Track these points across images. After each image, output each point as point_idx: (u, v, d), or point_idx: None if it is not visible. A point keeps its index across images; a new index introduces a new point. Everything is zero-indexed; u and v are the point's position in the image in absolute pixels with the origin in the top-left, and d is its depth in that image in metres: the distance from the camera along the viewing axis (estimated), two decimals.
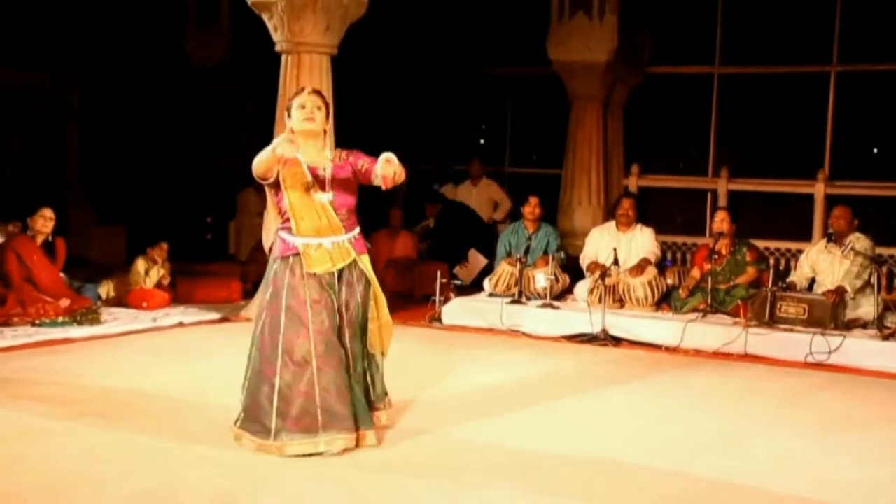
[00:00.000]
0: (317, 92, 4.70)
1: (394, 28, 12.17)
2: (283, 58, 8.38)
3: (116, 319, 8.03)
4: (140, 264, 8.83)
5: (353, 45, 8.73)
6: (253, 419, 4.48)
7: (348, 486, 4.05)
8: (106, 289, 8.68)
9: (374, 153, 4.53)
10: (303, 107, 4.61)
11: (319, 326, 4.41)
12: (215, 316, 8.45)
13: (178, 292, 9.04)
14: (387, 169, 4.35)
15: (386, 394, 4.84)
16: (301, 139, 4.54)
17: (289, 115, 4.67)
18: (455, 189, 12.26)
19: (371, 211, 12.00)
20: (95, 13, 12.25)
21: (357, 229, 4.66)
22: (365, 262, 4.63)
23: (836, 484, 4.29)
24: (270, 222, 8.38)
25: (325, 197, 4.52)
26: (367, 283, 4.63)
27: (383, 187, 4.44)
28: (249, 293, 9.05)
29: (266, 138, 8.52)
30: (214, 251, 12.37)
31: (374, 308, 4.66)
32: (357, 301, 4.57)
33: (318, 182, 4.54)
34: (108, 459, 4.32)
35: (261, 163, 4.43)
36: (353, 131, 10.84)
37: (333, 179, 4.57)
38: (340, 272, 4.53)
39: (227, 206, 12.71)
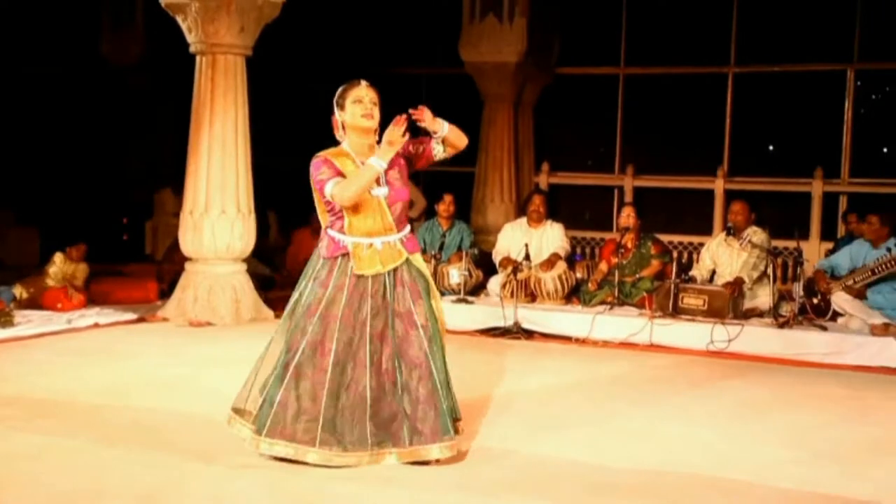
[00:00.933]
0: (372, 85, 4.45)
1: (308, 29, 12.24)
2: (198, 59, 8.41)
3: (30, 321, 7.95)
4: (58, 258, 8.78)
5: (269, 45, 8.79)
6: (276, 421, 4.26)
7: (270, 483, 4.08)
8: (19, 291, 8.59)
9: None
10: (359, 101, 4.38)
11: (346, 342, 4.26)
12: (132, 316, 8.43)
13: (93, 293, 8.98)
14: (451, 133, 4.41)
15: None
16: (354, 135, 4.43)
17: (340, 108, 4.42)
18: None
19: (296, 212, 12.11)
20: (9, 12, 12.04)
21: (408, 228, 4.52)
22: (419, 261, 4.49)
23: (745, 465, 4.53)
24: (188, 222, 8.46)
25: (381, 192, 4.37)
26: (426, 282, 4.47)
27: (448, 154, 4.51)
28: (166, 293, 9.06)
29: (182, 138, 8.64)
30: (131, 251, 12.28)
31: (439, 308, 4.50)
32: (423, 299, 4.40)
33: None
34: (30, 461, 4.30)
35: (357, 191, 4.26)
36: (270, 131, 10.93)
37: (388, 174, 4.41)
38: (394, 272, 4.39)
39: (144, 205, 12.62)
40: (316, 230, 11.33)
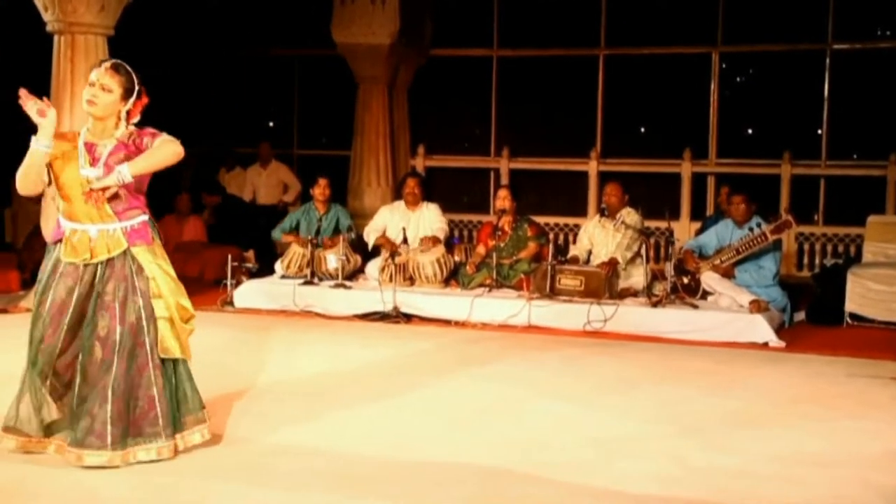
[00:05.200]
0: (115, 68, 4.12)
1: (176, 8, 11.86)
2: (56, 38, 8.05)
3: None
4: None
5: (135, 24, 8.47)
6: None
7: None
8: None
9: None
10: (91, 84, 4.11)
11: (55, 331, 4.06)
12: None
13: None
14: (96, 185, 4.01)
15: (202, 406, 4.27)
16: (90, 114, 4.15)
17: None
18: (244, 172, 12.16)
19: (158, 196, 11.74)
20: None
21: (139, 218, 4.17)
22: (141, 254, 4.13)
23: (607, 441, 4.63)
24: (50, 208, 8.09)
25: (90, 172, 4.05)
26: (146, 279, 4.11)
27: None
28: (28, 283, 8.69)
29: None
30: None
31: (164, 306, 4.13)
32: (137, 300, 4.07)
33: (93, 158, 4.09)
34: None
35: (20, 176, 4.12)
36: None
37: (109, 158, 4.08)
38: (109, 263, 4.08)
39: (2, 192, 12.03)
40: (181, 213, 11.09)
